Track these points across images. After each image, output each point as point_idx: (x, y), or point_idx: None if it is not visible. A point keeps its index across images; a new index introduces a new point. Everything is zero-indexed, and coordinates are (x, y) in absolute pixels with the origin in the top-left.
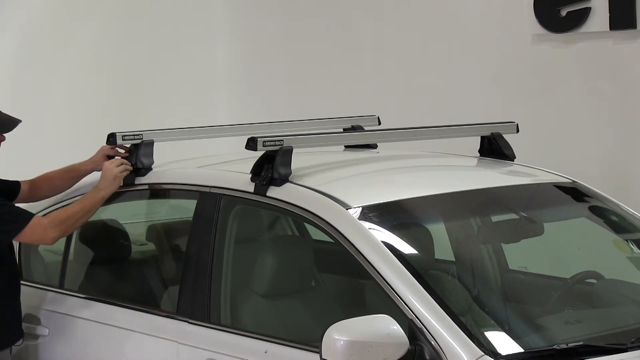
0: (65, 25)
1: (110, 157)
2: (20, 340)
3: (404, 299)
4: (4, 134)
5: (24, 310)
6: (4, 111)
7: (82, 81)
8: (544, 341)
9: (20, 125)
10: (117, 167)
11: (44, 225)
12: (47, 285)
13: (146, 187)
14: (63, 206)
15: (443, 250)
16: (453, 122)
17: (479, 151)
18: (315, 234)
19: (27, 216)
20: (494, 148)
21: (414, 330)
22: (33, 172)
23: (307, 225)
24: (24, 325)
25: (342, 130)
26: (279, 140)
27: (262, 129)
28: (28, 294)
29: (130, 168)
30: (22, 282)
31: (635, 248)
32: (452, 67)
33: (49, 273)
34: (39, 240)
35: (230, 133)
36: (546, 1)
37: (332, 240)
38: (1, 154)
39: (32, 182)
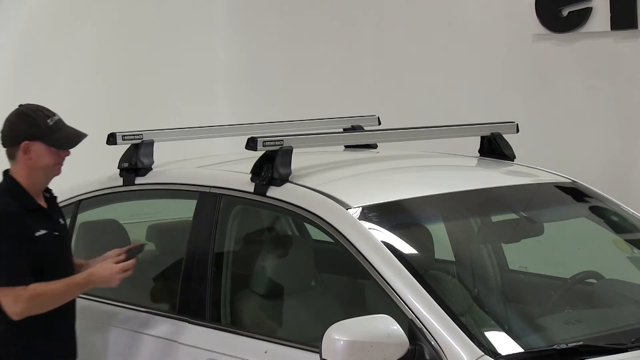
0: (65, 25)
1: None
2: None
3: (404, 299)
4: (69, 150)
5: None
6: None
7: (82, 81)
8: (544, 341)
9: None
10: (118, 267)
11: (19, 297)
12: None
13: (146, 187)
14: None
15: (443, 250)
16: (453, 122)
17: (479, 151)
18: (315, 234)
19: (12, 279)
20: (494, 148)
21: (414, 330)
22: None
23: (307, 225)
24: None
25: (342, 130)
26: (279, 140)
27: (262, 129)
28: None
29: (130, 273)
30: None
31: (635, 248)
32: (453, 67)
33: None
34: (5, 309)
35: (230, 133)
36: (547, 1)
37: (332, 240)
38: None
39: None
